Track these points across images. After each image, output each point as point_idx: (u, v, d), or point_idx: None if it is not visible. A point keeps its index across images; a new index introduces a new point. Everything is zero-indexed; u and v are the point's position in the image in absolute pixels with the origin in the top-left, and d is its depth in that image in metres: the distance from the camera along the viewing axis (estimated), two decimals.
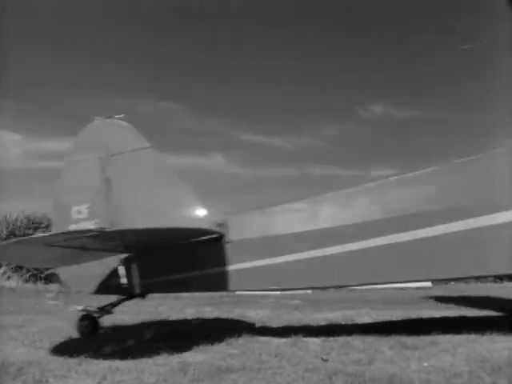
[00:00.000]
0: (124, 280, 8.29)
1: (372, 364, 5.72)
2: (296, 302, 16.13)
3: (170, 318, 10.89)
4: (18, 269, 31.72)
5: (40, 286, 27.40)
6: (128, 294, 8.50)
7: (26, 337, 7.85)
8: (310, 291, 23.37)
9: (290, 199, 8.39)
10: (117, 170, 8.76)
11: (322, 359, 5.99)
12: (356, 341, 7.20)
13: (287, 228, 7.91)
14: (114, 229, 7.01)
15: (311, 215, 7.97)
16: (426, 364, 5.66)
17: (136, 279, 8.26)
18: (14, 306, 13.71)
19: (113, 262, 8.33)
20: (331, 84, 67.08)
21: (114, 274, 8.39)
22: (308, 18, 58.95)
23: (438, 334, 7.46)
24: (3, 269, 30.33)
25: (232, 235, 8.03)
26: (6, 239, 33.93)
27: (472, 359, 5.79)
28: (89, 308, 8.73)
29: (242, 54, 66.05)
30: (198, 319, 10.67)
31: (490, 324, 8.07)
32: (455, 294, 16.96)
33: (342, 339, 7.35)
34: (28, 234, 34.57)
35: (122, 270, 8.31)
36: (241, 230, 8.07)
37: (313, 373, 5.28)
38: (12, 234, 33.89)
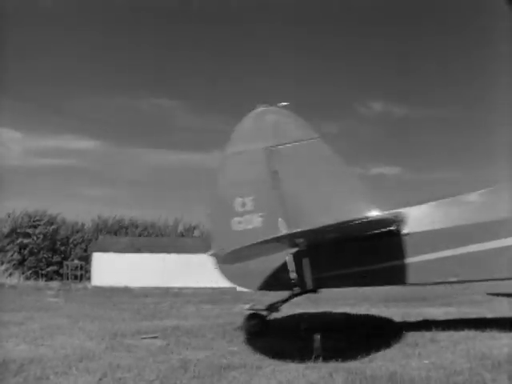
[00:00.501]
0: (294, 275, 7.80)
1: (372, 361, 5.72)
2: (297, 298, 16.11)
3: (171, 315, 10.89)
4: (19, 266, 31.82)
5: (41, 283, 27.42)
6: (299, 289, 8.04)
7: (26, 334, 7.85)
8: None
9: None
10: (283, 161, 8.28)
11: (323, 356, 5.96)
12: (356, 338, 7.21)
13: (463, 219, 7.70)
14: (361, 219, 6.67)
15: (488, 206, 7.81)
16: (426, 361, 5.66)
17: (307, 274, 7.77)
18: (15, 303, 13.73)
19: (280, 257, 7.85)
20: (331, 81, 66.88)
21: (283, 269, 7.91)
22: (308, 16, 58.75)
23: (438, 331, 7.47)
24: (5, 266, 30.44)
25: (409, 228, 7.75)
26: (7, 236, 34.00)
27: (472, 356, 5.79)
28: (256, 306, 8.51)
29: (242, 53, 65.87)
30: (197, 316, 10.65)
31: (490, 321, 8.08)
32: (455, 290, 16.95)
33: (342, 336, 7.35)
34: (27, 232, 34.62)
35: (291, 265, 7.83)
36: (417, 222, 7.81)
37: (313, 370, 5.29)
38: (13, 230, 33.95)
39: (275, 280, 8.03)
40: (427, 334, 7.28)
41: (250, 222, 8.10)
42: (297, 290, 8.02)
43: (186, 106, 69.67)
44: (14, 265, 32.44)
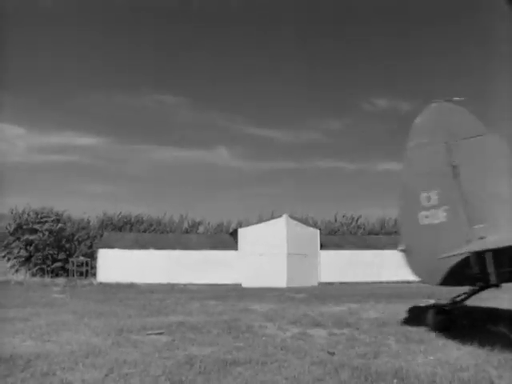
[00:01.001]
0: (477, 270, 7.59)
1: (378, 357, 5.72)
2: (302, 295, 16.12)
3: (176, 312, 10.90)
4: (26, 262, 31.93)
5: (47, 279, 27.50)
6: (482, 284, 7.87)
7: (33, 330, 7.87)
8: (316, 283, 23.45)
9: None
10: (462, 155, 8.27)
11: (329, 353, 5.99)
12: (362, 334, 7.21)
13: None
14: None
15: None
16: (431, 357, 5.66)
17: (491, 268, 7.53)
18: (21, 299, 13.78)
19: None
20: (335, 78, 66.78)
21: (466, 264, 7.67)
22: (311, 14, 58.68)
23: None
24: (11, 262, 30.52)
25: None
26: (12, 233, 34.11)
27: (478, 353, 5.78)
28: (442, 301, 8.37)
29: (247, 50, 65.86)
30: (202, 313, 10.66)
31: (496, 318, 8.06)
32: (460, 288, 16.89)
33: (347, 333, 7.35)
34: (33, 229, 34.75)
35: (474, 260, 7.63)
36: None
37: (319, 366, 5.29)
38: (19, 227, 34.03)
39: (459, 275, 7.89)
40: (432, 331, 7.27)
41: (436, 217, 8.10)
42: (480, 284, 7.92)
43: (189, 103, 69.58)
44: (20, 261, 32.55)
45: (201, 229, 43.52)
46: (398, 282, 24.99)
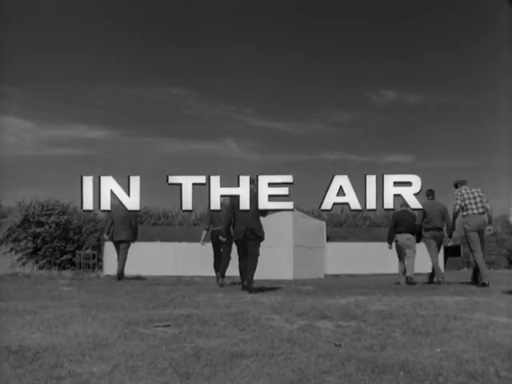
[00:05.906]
0: None
1: (384, 350, 5.73)
2: (308, 287, 16.12)
3: (183, 304, 10.93)
4: (33, 255, 32.21)
5: (54, 272, 27.66)
6: None
7: (41, 323, 7.90)
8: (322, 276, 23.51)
9: None
10: None
11: (335, 345, 6.01)
12: (368, 327, 7.21)
13: None
14: None
15: None
16: (438, 350, 5.66)
17: None
18: (29, 291, 13.87)
19: None
20: (342, 70, 66.51)
21: None
22: (318, 3, 58.35)
23: (450, 319, 7.45)
24: (18, 255, 30.79)
25: None
26: (20, 226, 34.31)
27: (485, 345, 5.77)
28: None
29: (253, 41, 65.59)
30: (209, 305, 10.70)
31: (503, 310, 8.04)
32: (468, 279, 16.88)
33: (354, 325, 7.35)
34: (40, 221, 34.90)
35: None
36: None
37: (325, 358, 5.30)
38: (25, 219, 34.24)
39: None
40: (439, 323, 7.26)
41: None
42: None
43: (197, 96, 69.47)
44: (27, 254, 32.78)
45: None
46: None
